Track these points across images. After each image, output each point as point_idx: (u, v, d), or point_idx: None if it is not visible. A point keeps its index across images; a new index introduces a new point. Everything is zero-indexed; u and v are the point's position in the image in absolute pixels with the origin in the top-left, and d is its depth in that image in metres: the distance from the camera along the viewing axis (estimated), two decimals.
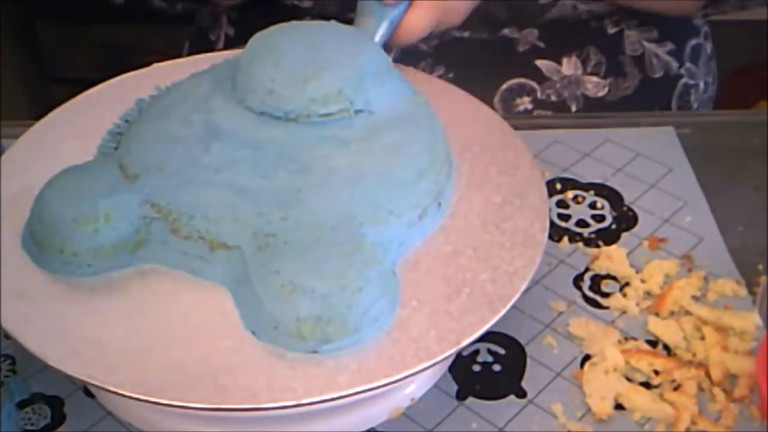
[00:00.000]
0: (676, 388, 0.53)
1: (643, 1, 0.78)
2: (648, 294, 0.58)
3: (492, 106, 0.76)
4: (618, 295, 0.58)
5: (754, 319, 0.56)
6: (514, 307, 0.49)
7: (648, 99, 0.81)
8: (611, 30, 0.80)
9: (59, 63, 1.78)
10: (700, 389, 0.53)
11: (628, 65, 0.80)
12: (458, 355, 0.54)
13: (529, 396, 0.53)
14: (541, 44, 0.78)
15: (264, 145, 0.52)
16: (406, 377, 0.46)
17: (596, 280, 0.59)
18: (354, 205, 0.50)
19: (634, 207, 0.64)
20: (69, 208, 0.49)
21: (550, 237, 0.61)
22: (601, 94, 0.79)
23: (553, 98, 0.78)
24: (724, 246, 0.61)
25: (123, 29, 1.73)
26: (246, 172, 0.51)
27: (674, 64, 0.82)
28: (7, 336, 0.48)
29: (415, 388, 0.53)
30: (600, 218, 0.64)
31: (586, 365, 0.54)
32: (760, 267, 0.60)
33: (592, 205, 0.65)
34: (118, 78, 0.63)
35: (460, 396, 0.53)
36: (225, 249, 0.49)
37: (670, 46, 0.82)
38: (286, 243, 0.48)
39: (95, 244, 0.49)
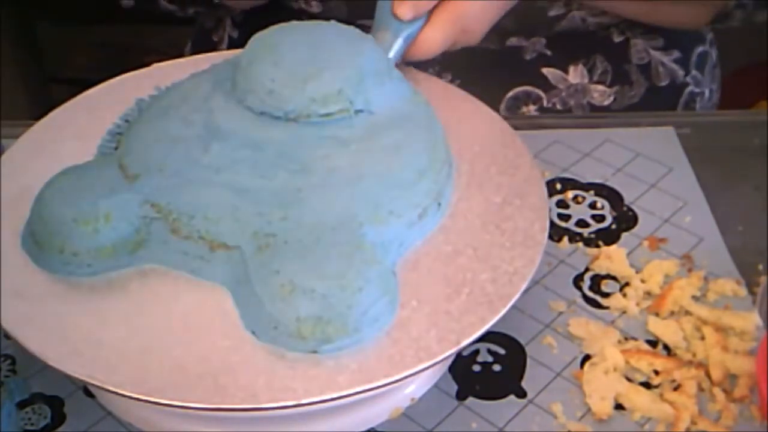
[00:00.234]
0: (676, 388, 0.53)
1: (651, 16, 0.78)
2: (648, 294, 0.58)
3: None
4: (618, 295, 0.58)
5: (754, 319, 0.56)
6: (514, 307, 0.49)
7: (654, 107, 0.80)
8: (617, 38, 0.80)
9: (59, 63, 1.78)
10: (700, 389, 0.53)
11: (634, 73, 0.80)
12: (458, 355, 0.54)
13: (529, 396, 0.53)
14: (548, 52, 0.78)
15: (264, 145, 0.52)
16: (406, 377, 0.46)
17: (596, 280, 0.59)
18: (354, 205, 0.50)
19: (634, 207, 0.64)
20: (69, 208, 0.49)
21: (550, 237, 0.61)
22: (607, 102, 0.79)
23: (559, 106, 0.78)
24: (724, 246, 0.61)
25: (123, 29, 1.73)
26: (246, 172, 0.51)
27: (680, 72, 0.82)
28: (7, 336, 0.48)
29: (415, 388, 0.53)
30: (600, 218, 0.64)
31: (586, 365, 0.54)
32: (760, 267, 0.60)
33: (592, 205, 0.65)
34: (118, 78, 0.63)
35: (460, 396, 0.53)
36: (225, 249, 0.49)
37: (676, 54, 0.82)
38: (286, 243, 0.48)
39: (95, 244, 0.49)
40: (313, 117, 0.53)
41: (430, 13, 0.60)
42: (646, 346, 0.55)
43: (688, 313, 0.57)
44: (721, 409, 0.52)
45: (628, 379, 0.53)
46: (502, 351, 0.55)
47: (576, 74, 0.78)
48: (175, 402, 0.45)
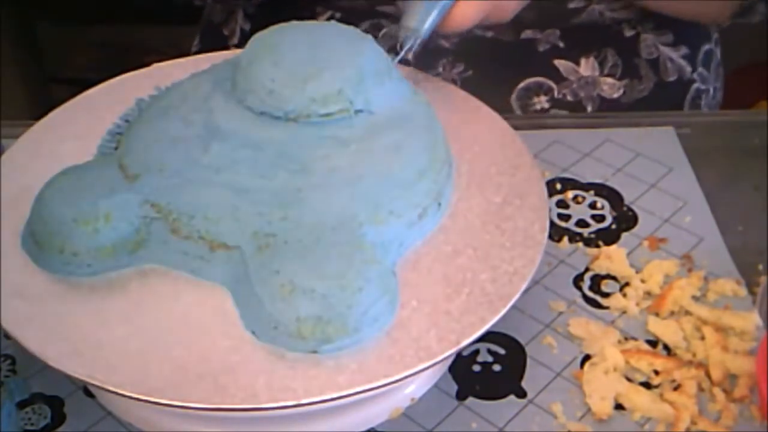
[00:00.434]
0: (676, 388, 0.53)
1: (675, 8, 0.78)
2: (648, 294, 0.58)
3: (509, 104, 0.76)
4: (618, 295, 0.58)
5: (754, 319, 0.56)
6: (514, 307, 0.49)
7: (661, 102, 0.81)
8: (628, 33, 0.80)
9: (59, 63, 1.78)
10: (700, 389, 0.53)
11: (643, 68, 0.80)
12: (458, 355, 0.54)
13: (529, 396, 0.53)
14: (561, 44, 0.78)
15: (264, 145, 0.52)
16: (406, 377, 0.46)
17: (596, 280, 0.59)
18: (354, 205, 0.50)
19: (634, 207, 0.64)
20: (69, 208, 0.49)
21: (550, 237, 0.61)
22: (616, 95, 0.79)
23: (570, 98, 0.78)
24: (724, 246, 0.61)
25: (123, 29, 1.73)
26: (246, 172, 0.51)
27: (688, 69, 0.82)
28: (7, 336, 0.48)
29: (415, 388, 0.53)
30: (600, 218, 0.64)
31: (586, 365, 0.54)
32: (760, 267, 0.60)
33: (592, 205, 0.65)
34: (118, 78, 0.63)
35: (460, 396, 0.53)
36: (225, 249, 0.49)
37: (684, 50, 0.82)
38: (286, 243, 0.48)
39: (95, 244, 0.49)
40: (313, 117, 0.53)
41: None
42: (646, 346, 0.55)
43: (688, 313, 0.57)
44: (721, 409, 0.52)
45: (628, 379, 0.53)
46: (502, 351, 0.55)
47: (587, 67, 0.79)
48: (175, 402, 0.45)
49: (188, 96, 0.55)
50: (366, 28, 0.70)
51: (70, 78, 1.69)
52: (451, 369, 0.54)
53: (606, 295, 0.59)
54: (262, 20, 0.56)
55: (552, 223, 0.61)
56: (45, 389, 0.53)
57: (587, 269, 0.60)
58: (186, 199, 0.50)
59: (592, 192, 0.65)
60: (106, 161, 0.53)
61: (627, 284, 0.59)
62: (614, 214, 0.64)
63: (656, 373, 0.54)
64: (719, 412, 0.52)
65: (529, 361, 0.55)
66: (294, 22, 0.56)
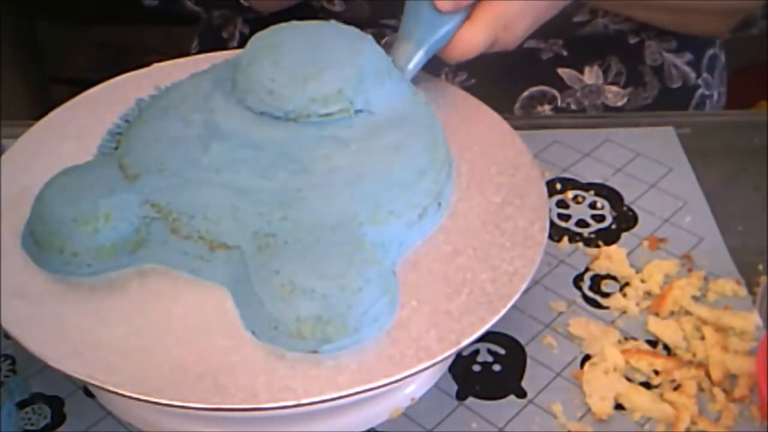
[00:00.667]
0: (676, 388, 0.53)
1: (678, 25, 0.78)
2: (648, 294, 0.58)
3: (512, 113, 0.76)
4: (618, 295, 0.58)
5: (754, 319, 0.56)
6: (514, 307, 0.49)
7: (666, 109, 0.80)
8: (632, 40, 0.80)
9: (59, 63, 1.78)
10: (700, 389, 0.53)
11: (647, 75, 0.80)
12: (458, 355, 0.54)
13: (529, 396, 0.53)
14: (565, 53, 0.78)
15: (264, 145, 0.52)
16: (406, 377, 0.46)
17: (596, 280, 0.59)
18: (354, 205, 0.50)
19: (634, 207, 0.64)
20: (69, 208, 0.49)
21: (550, 237, 0.61)
22: (620, 103, 0.79)
23: (574, 106, 0.78)
24: (724, 246, 0.61)
25: (123, 29, 1.73)
26: (246, 172, 0.51)
27: (692, 75, 0.82)
28: (7, 336, 0.48)
29: (415, 388, 0.53)
30: (600, 218, 0.64)
31: (586, 365, 0.54)
32: (760, 267, 0.60)
33: (592, 205, 0.65)
34: (118, 78, 0.63)
35: (460, 396, 0.53)
36: (225, 249, 0.49)
37: (688, 56, 0.82)
38: (286, 243, 0.48)
39: (95, 244, 0.49)
40: (313, 117, 0.53)
41: (471, 10, 0.58)
42: (646, 346, 0.55)
43: (688, 313, 0.57)
44: (721, 409, 0.52)
45: (628, 379, 0.53)
46: (502, 351, 0.55)
47: (591, 75, 0.78)
48: (175, 402, 0.45)
49: (188, 96, 0.55)
50: None
51: (70, 78, 1.69)
52: (451, 369, 0.54)
53: (606, 295, 0.59)
54: (261, 25, 0.56)
55: (552, 223, 0.61)
56: (45, 389, 0.53)
57: (587, 269, 0.60)
58: (186, 199, 0.50)
59: (592, 192, 0.65)
60: (106, 161, 0.53)
61: (627, 284, 0.59)
62: (614, 214, 0.64)
63: (656, 373, 0.54)
64: (719, 412, 0.52)
65: (529, 361, 0.55)
66: (294, 22, 0.56)
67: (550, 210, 0.63)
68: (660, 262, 0.59)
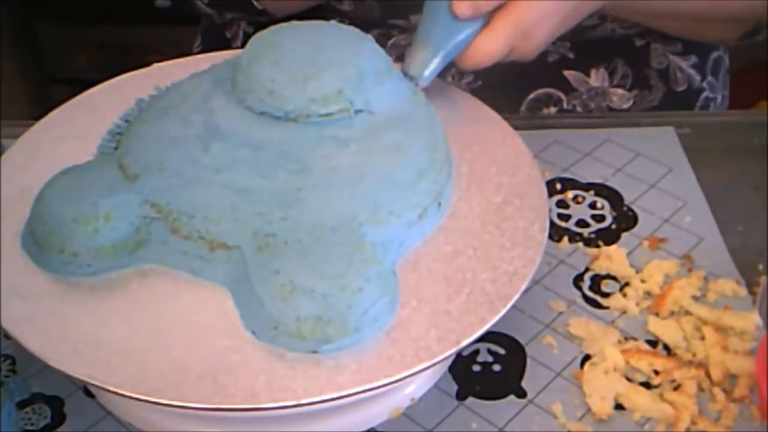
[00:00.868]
0: (676, 388, 0.53)
1: (685, 32, 0.78)
2: (648, 294, 0.58)
3: (518, 115, 0.76)
4: (618, 295, 0.58)
5: (754, 319, 0.56)
6: (514, 307, 0.49)
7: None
8: (638, 43, 0.79)
9: (59, 63, 1.78)
10: (700, 389, 0.53)
11: (653, 78, 0.80)
12: (458, 355, 0.54)
13: (529, 396, 0.53)
14: (571, 55, 0.78)
15: (264, 145, 0.52)
16: (406, 377, 0.46)
17: (596, 280, 0.59)
18: (354, 205, 0.50)
19: (634, 207, 0.64)
20: (69, 208, 0.49)
21: (550, 237, 0.61)
22: (626, 106, 0.79)
23: (579, 109, 0.78)
24: (724, 246, 0.61)
25: (123, 29, 1.73)
26: (246, 172, 0.51)
27: (697, 78, 0.82)
28: (7, 336, 0.48)
29: (415, 388, 0.53)
30: (600, 218, 0.64)
31: (586, 365, 0.54)
32: (760, 267, 0.60)
33: (592, 205, 0.65)
34: (118, 78, 0.63)
35: (460, 396, 0.53)
36: (225, 249, 0.49)
37: (693, 59, 0.82)
38: (286, 243, 0.48)
39: (95, 244, 0.49)
40: (313, 117, 0.53)
41: (490, 17, 0.57)
42: (646, 346, 0.55)
43: (688, 313, 0.57)
44: (721, 409, 0.52)
45: (628, 379, 0.53)
46: (502, 351, 0.55)
47: (597, 78, 0.78)
48: (175, 402, 0.45)
49: (188, 96, 0.55)
50: (375, 37, 0.70)
51: (70, 78, 1.69)
52: (451, 369, 0.54)
53: (606, 295, 0.58)
54: (266, 24, 0.56)
55: (552, 223, 0.61)
56: (45, 389, 0.53)
57: (587, 269, 0.60)
58: (186, 199, 0.50)
59: (592, 192, 0.65)
60: (106, 161, 0.53)
61: (627, 284, 0.59)
62: (614, 214, 0.64)
63: (656, 373, 0.54)
64: (719, 412, 0.52)
65: (529, 361, 0.55)
66: (294, 22, 0.56)
67: (550, 210, 0.63)
68: (660, 262, 0.59)
